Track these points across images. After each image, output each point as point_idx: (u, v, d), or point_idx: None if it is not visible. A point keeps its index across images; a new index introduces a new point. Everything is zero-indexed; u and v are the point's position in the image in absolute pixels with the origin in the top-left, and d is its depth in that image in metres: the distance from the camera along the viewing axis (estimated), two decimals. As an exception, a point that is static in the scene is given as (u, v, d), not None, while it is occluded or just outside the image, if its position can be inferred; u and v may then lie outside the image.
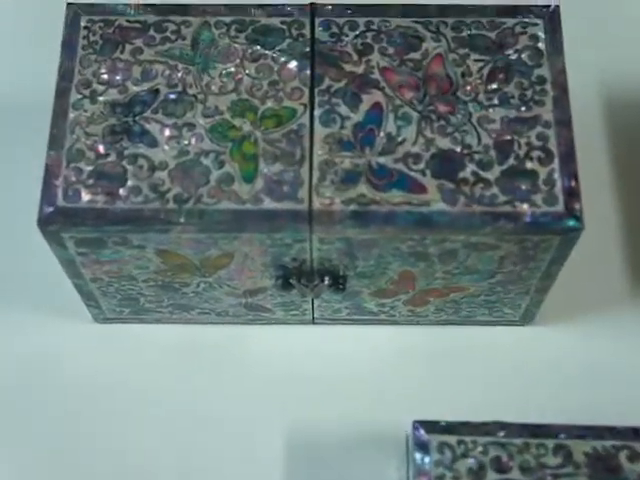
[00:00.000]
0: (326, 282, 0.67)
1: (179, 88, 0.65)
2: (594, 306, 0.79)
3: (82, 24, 0.67)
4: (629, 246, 0.81)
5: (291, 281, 0.67)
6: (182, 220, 0.61)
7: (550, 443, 0.62)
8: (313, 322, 0.78)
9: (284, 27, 0.68)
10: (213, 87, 0.66)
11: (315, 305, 0.75)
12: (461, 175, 0.63)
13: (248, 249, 0.65)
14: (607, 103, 0.87)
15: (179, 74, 0.66)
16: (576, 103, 0.84)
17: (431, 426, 0.62)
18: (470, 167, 0.63)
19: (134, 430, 0.74)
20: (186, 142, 0.64)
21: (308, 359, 0.78)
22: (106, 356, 0.77)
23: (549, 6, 0.69)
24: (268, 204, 0.62)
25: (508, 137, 0.64)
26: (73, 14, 0.68)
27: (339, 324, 0.78)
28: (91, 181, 0.63)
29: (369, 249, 0.65)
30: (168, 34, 0.67)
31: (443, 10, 0.69)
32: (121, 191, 0.62)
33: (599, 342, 0.77)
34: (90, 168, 0.63)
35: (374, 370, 0.77)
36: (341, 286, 0.68)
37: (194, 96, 0.65)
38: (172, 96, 0.65)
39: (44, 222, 0.62)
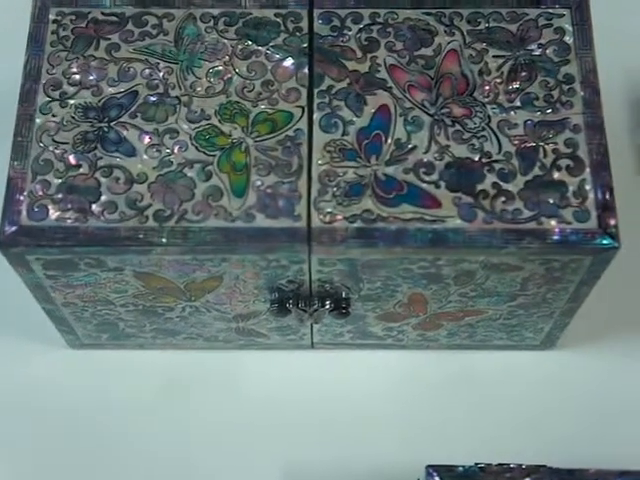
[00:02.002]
0: (327, 306, 0.60)
1: (160, 89, 0.58)
2: (622, 329, 0.71)
3: (51, 17, 0.60)
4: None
5: (288, 306, 0.61)
6: (163, 240, 0.54)
7: (584, 492, 0.55)
8: (312, 347, 0.70)
9: (279, 20, 0.60)
10: (199, 88, 0.58)
11: (315, 329, 0.68)
12: (480, 187, 0.55)
13: (239, 271, 0.58)
14: (637, 104, 0.81)
15: (160, 74, 0.58)
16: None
17: (447, 472, 0.55)
18: (490, 178, 0.55)
19: (115, 465, 0.67)
20: (168, 151, 0.56)
21: (306, 387, 0.70)
22: (83, 385, 0.69)
23: (576, -5, 0.62)
24: (261, 221, 0.54)
25: (532, 143, 0.56)
26: (41, 6, 0.60)
27: (341, 349, 0.71)
28: (60, 196, 0.55)
29: (375, 270, 0.58)
30: (148, 28, 0.60)
31: (455, 0, 0.62)
32: (94, 207, 0.55)
33: (628, 368, 0.70)
34: (59, 181, 0.56)
35: (379, 400, 0.70)
36: (344, 310, 0.61)
37: (177, 98, 0.58)
38: (152, 98, 0.58)
39: (6, 243, 0.54)
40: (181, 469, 0.67)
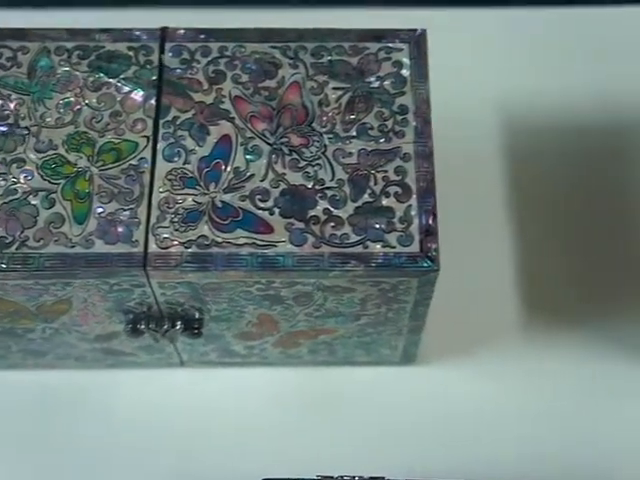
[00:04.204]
0: (178, 327, 0.63)
1: (11, 120, 0.60)
2: (480, 343, 0.74)
3: None
4: (518, 280, 0.77)
5: (140, 327, 0.63)
6: (3, 266, 0.56)
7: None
8: (182, 365, 0.73)
9: (131, 53, 0.63)
10: (49, 119, 0.60)
11: (180, 348, 0.70)
12: (311, 213, 0.58)
13: (85, 295, 0.60)
14: (505, 128, 0.83)
15: (12, 105, 0.61)
16: (473, 129, 0.83)
17: (281, 485, 0.58)
18: (322, 204, 0.58)
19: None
20: (14, 180, 0.58)
21: (176, 405, 0.72)
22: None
23: (415, 30, 0.65)
24: (100, 247, 0.57)
25: (364, 171, 0.59)
26: None
27: (209, 367, 0.73)
28: None
29: (217, 293, 0.60)
30: (3, 61, 0.62)
31: (303, 34, 0.64)
32: (-61, 234, 0.58)
33: (485, 380, 0.73)
34: None
35: (246, 416, 0.72)
36: (196, 331, 0.64)
37: (27, 129, 0.60)
38: (2, 129, 0.60)
39: None
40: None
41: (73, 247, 0.57)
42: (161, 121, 0.61)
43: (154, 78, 0.62)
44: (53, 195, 0.58)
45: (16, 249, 0.56)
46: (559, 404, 0.73)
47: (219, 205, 0.59)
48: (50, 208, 0.58)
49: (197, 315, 0.64)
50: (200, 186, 0.59)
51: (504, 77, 0.85)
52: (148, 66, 0.63)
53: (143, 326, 0.62)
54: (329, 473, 0.65)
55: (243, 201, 0.59)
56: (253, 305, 0.62)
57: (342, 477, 0.59)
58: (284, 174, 0.60)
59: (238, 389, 0.73)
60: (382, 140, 0.61)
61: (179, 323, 0.63)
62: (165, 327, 0.63)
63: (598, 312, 0.76)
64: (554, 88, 0.83)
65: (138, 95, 0.62)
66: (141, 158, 0.60)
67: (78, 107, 0.61)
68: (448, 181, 0.76)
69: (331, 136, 0.61)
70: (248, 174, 0.60)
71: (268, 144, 0.61)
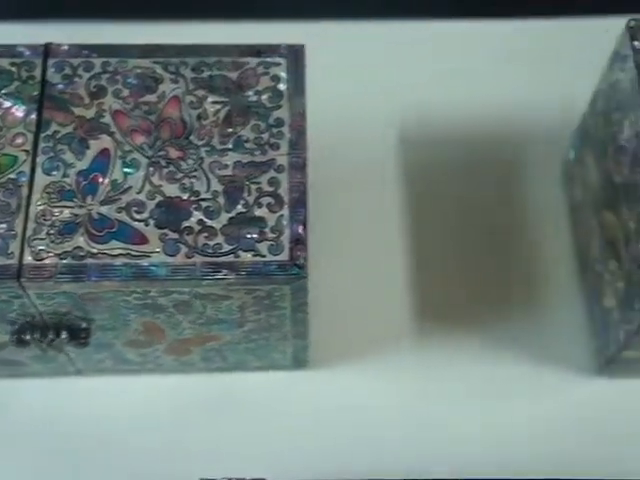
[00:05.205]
0: (63, 337, 0.65)
1: None
2: (371, 347, 0.77)
3: None
4: (409, 284, 0.79)
5: (24, 337, 0.64)
6: None
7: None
8: (79, 374, 0.74)
9: (14, 69, 0.64)
10: None
11: (73, 357, 0.71)
12: (186, 224, 0.60)
13: (-34, 306, 0.62)
14: (398, 140, 0.86)
15: None
16: (367, 141, 0.86)
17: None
18: (196, 215, 0.60)
19: None
20: None
21: (73, 413, 0.74)
22: None
23: (294, 45, 0.67)
24: (-24, 260, 0.59)
25: (239, 183, 0.62)
26: None
27: (106, 375, 0.75)
28: None
29: (96, 302, 0.61)
30: None
31: (184, 50, 0.66)
32: None
33: (376, 384, 0.76)
34: None
35: (138, 422, 0.73)
36: (82, 340, 0.65)
37: None
38: None
39: None
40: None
41: (-51, 261, 0.58)
42: (42, 135, 0.62)
43: (36, 93, 0.64)
44: None
45: None
46: (449, 405, 0.75)
47: (95, 217, 0.60)
48: None
49: (83, 324, 0.65)
50: (77, 199, 0.61)
51: (398, 90, 0.87)
52: (30, 81, 0.64)
53: (28, 336, 0.64)
54: (223, 475, 0.67)
55: (119, 213, 0.60)
56: (135, 314, 0.63)
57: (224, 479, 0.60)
58: (160, 186, 0.61)
59: (134, 396, 0.74)
60: (258, 152, 0.63)
61: (64, 333, 0.64)
62: (50, 337, 0.64)
63: (488, 313, 0.79)
64: (446, 101, 0.86)
65: (19, 110, 0.63)
66: (20, 172, 0.61)
67: (-41, 123, 0.63)
68: (347, 189, 0.80)
69: (208, 149, 0.63)
70: (125, 186, 0.61)
71: (146, 157, 0.62)
